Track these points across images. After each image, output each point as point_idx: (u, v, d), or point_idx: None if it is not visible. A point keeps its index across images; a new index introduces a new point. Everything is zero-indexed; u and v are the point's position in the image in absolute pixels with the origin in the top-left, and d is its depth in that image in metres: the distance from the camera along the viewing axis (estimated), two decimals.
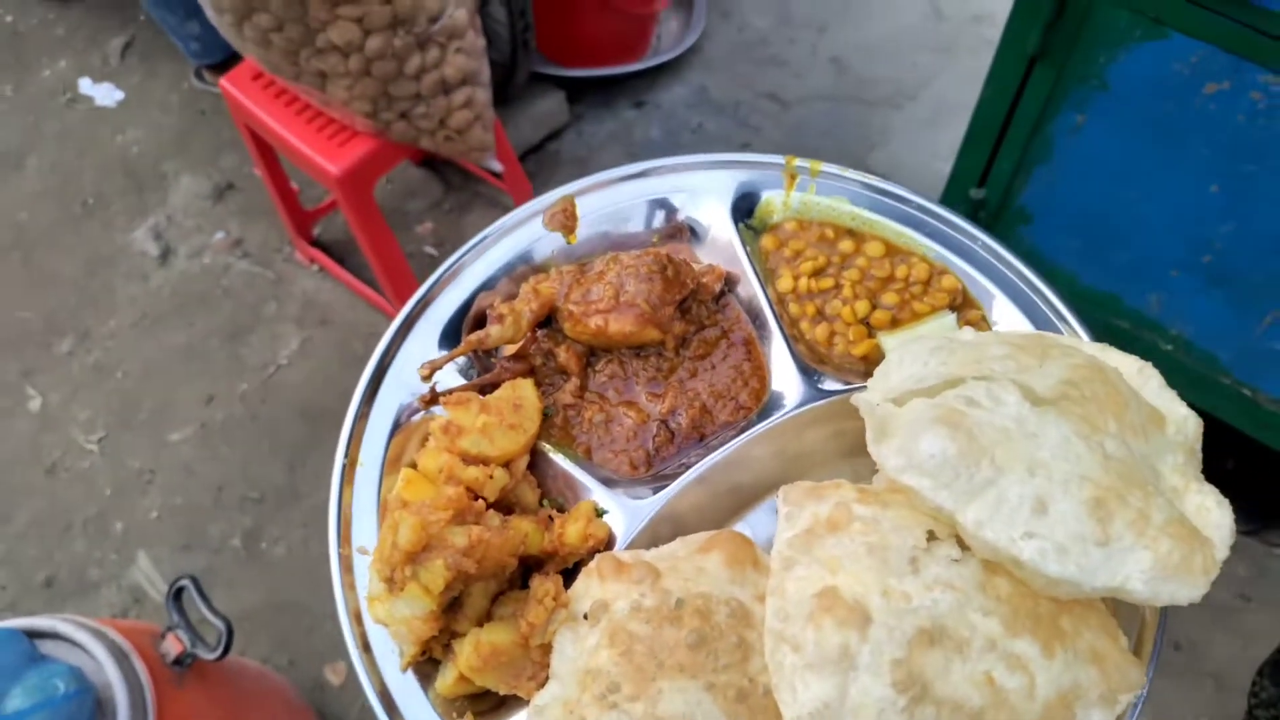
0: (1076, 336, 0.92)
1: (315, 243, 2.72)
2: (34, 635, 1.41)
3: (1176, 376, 1.81)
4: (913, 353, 0.78)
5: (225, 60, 2.86)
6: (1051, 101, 1.66)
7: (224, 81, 2.24)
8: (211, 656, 1.47)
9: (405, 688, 0.80)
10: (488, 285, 0.98)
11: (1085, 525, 0.63)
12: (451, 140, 2.11)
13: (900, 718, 0.62)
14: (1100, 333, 1.86)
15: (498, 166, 2.32)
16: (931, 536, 0.69)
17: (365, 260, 2.44)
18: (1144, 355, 1.82)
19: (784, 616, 0.67)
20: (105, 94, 3.18)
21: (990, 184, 1.84)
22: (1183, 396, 1.86)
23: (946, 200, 1.94)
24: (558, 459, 0.88)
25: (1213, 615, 2.11)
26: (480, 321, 0.96)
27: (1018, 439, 0.65)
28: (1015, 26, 1.60)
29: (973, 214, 1.90)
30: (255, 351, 2.64)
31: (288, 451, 2.46)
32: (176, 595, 1.52)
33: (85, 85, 3.21)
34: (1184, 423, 0.76)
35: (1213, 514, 0.70)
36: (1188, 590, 0.65)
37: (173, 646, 1.49)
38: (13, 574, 2.34)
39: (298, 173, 2.62)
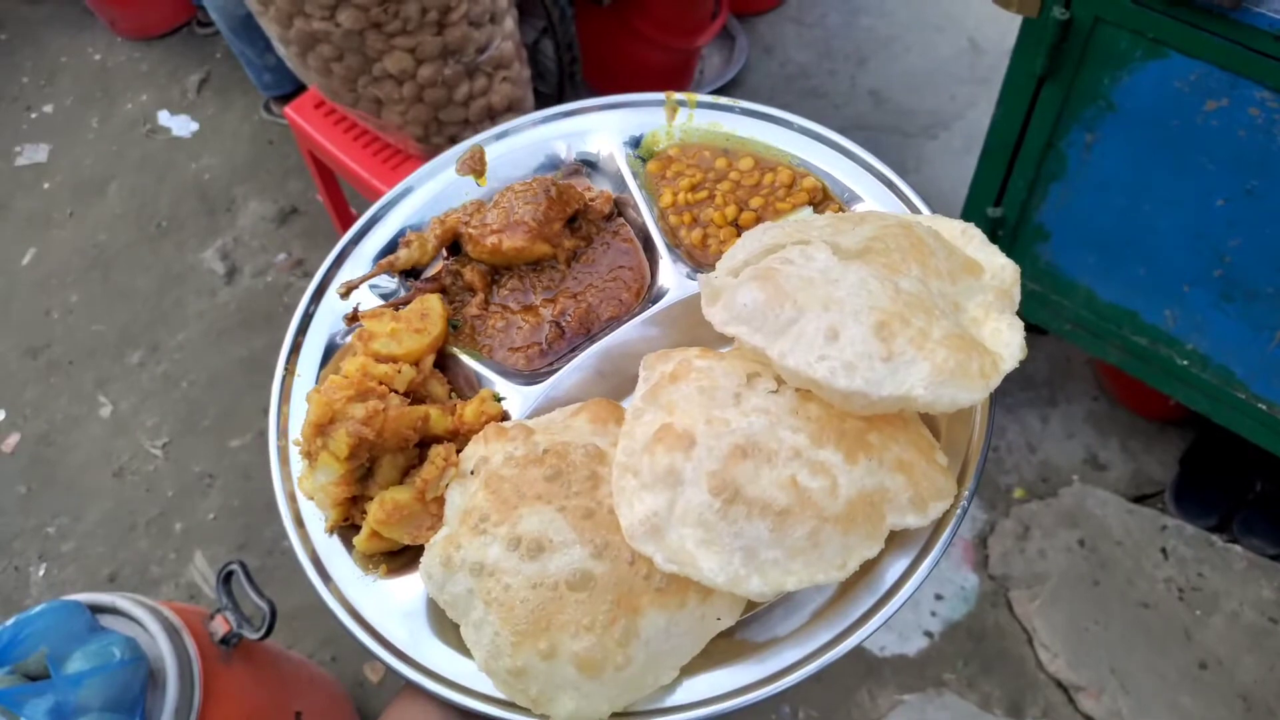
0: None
1: None
2: (96, 609, 1.50)
3: (1195, 392, 1.84)
4: (752, 235, 0.87)
5: (293, 93, 3.00)
6: (1061, 120, 1.69)
7: (289, 109, 2.39)
8: (255, 636, 1.53)
9: (331, 550, 0.90)
10: (413, 227, 1.09)
11: (870, 345, 0.70)
12: None
13: (716, 517, 0.70)
14: (1119, 348, 1.89)
15: None
16: (755, 376, 0.77)
17: None
18: (1162, 369, 1.87)
19: (629, 452, 0.76)
20: (182, 125, 3.37)
21: (1006, 202, 1.88)
22: (1202, 411, 1.87)
23: (965, 219, 1.98)
24: (465, 359, 0.98)
25: (1242, 637, 2.10)
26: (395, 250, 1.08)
27: (820, 284, 0.73)
28: (1023, 48, 1.64)
29: (991, 232, 1.94)
30: None
31: None
32: (226, 579, 1.59)
33: (164, 117, 3.40)
34: (1000, 270, 0.82)
35: (1004, 334, 0.76)
36: (967, 394, 0.70)
37: (220, 626, 1.55)
38: (80, 569, 2.45)
39: (357, 198, 2.76)
